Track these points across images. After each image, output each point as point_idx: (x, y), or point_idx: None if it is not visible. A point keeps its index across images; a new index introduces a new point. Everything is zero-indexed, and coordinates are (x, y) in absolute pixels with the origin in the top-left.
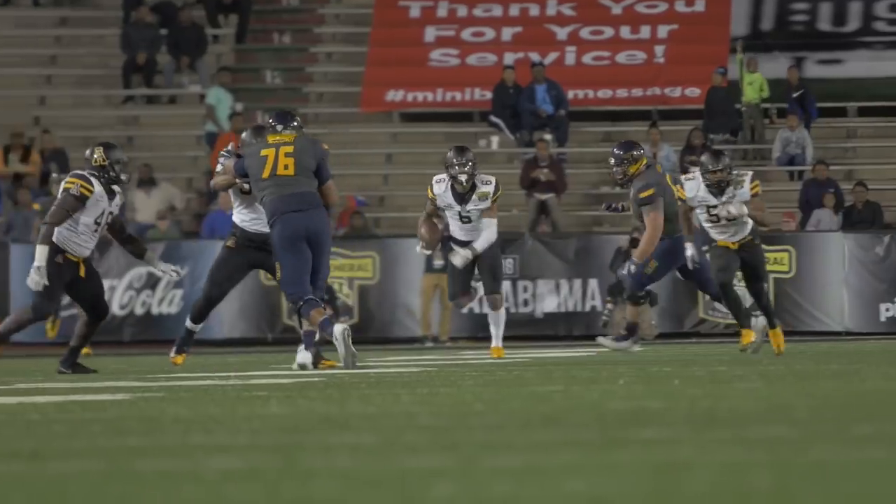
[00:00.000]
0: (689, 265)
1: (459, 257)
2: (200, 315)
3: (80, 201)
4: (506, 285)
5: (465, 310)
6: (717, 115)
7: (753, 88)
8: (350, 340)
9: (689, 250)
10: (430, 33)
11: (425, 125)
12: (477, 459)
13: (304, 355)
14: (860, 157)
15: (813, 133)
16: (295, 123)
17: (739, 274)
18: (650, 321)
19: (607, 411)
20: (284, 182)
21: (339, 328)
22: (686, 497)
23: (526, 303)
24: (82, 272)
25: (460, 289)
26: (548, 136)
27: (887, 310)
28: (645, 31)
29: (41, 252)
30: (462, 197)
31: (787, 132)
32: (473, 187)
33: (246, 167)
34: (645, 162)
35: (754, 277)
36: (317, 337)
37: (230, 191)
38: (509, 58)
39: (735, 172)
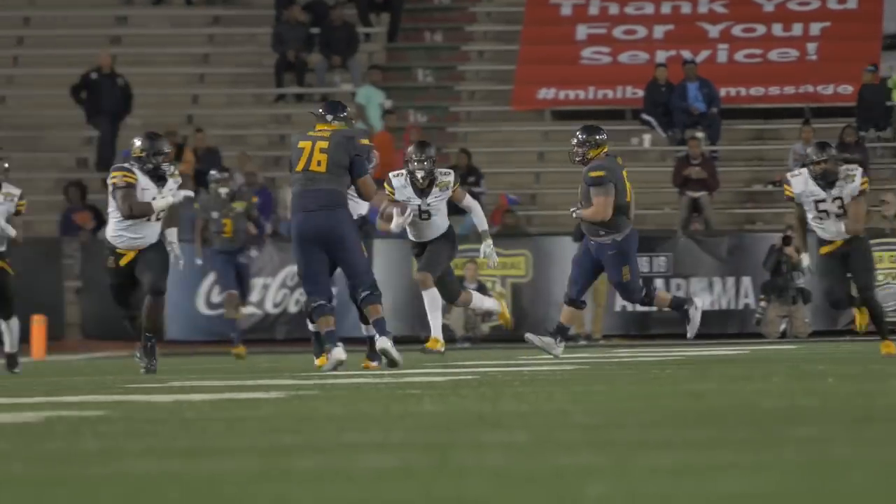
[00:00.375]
0: (807, 274)
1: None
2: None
3: (132, 188)
4: (658, 283)
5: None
6: (868, 112)
7: None
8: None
9: (806, 260)
10: (582, 31)
11: (577, 123)
12: (631, 458)
13: (382, 341)
14: None
15: None
16: (344, 114)
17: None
18: (804, 318)
19: (761, 409)
20: (312, 177)
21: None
22: (842, 496)
23: None
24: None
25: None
26: (700, 134)
27: None
28: (797, 29)
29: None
30: (422, 191)
31: None
32: (432, 182)
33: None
34: (605, 150)
35: (859, 271)
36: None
37: None
38: (661, 55)
39: (845, 167)
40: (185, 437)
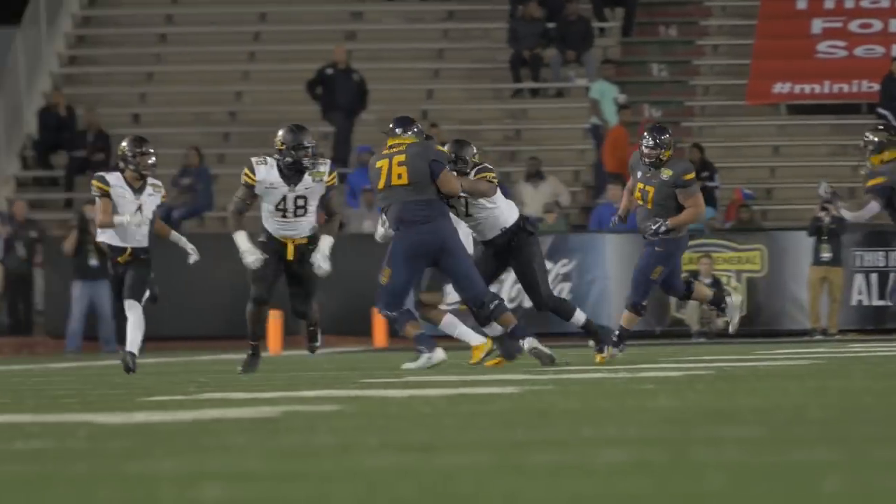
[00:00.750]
0: None
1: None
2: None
3: (248, 188)
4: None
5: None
6: None
7: None
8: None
9: None
10: (817, 25)
11: (812, 117)
12: (867, 453)
13: (529, 341)
14: None
15: None
16: (415, 129)
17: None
18: None
19: None
20: (397, 191)
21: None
22: None
23: None
24: (290, 255)
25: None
26: None
27: None
28: None
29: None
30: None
31: None
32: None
33: (369, 179)
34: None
35: None
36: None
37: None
38: None
39: None
40: (419, 432)
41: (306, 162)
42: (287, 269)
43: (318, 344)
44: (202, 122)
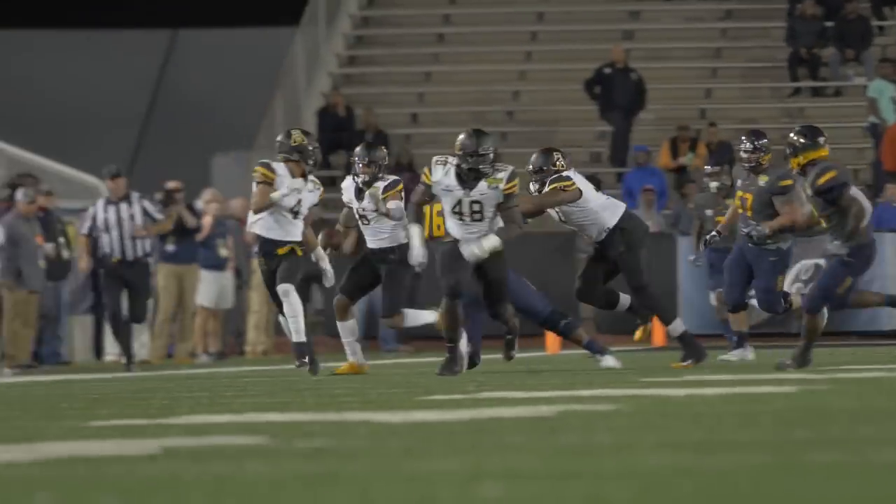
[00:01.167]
0: None
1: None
2: None
3: (426, 187)
4: None
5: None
6: None
7: None
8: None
9: None
10: None
11: None
12: None
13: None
14: None
15: None
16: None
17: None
18: None
19: None
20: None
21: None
22: None
23: None
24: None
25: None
26: None
27: None
28: None
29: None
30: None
31: None
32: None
33: None
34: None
35: None
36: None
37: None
38: None
39: None
40: (697, 430)
41: (483, 168)
42: (477, 270)
43: (514, 353)
44: (479, 121)
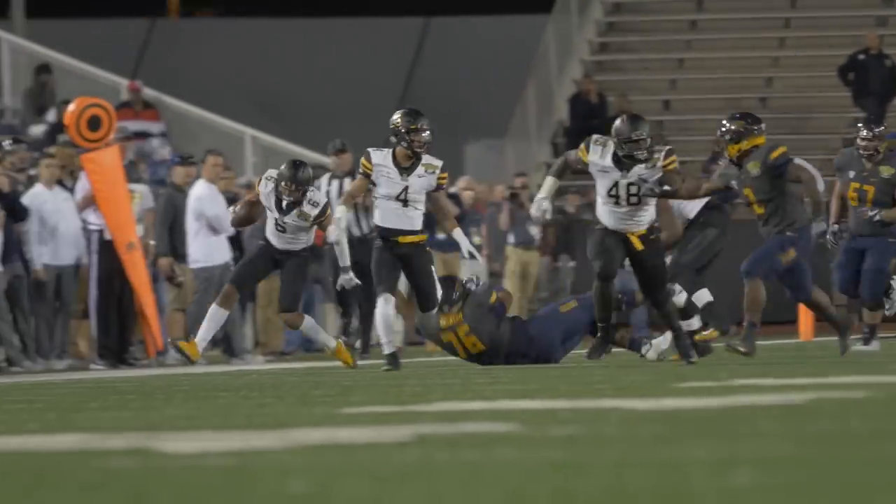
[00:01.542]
0: None
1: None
2: None
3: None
4: None
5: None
6: None
7: None
8: None
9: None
10: None
11: None
12: None
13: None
14: None
15: None
16: None
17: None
18: None
19: None
20: None
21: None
22: None
23: None
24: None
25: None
26: None
27: None
28: None
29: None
30: (281, 208)
31: None
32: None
33: None
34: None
35: None
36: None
37: None
38: None
39: None
40: None
41: (638, 154)
42: (632, 259)
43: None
44: (733, 108)
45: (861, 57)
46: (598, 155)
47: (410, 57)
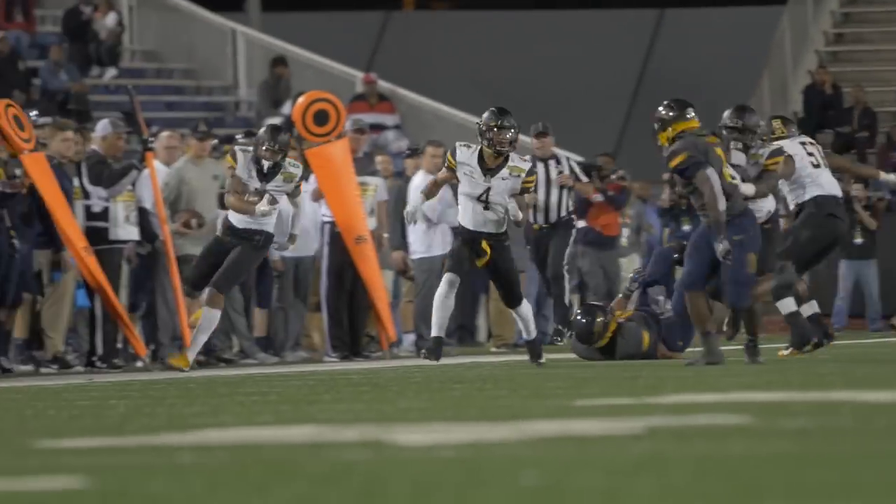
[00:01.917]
0: None
1: None
2: None
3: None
4: None
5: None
6: None
7: None
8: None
9: None
10: None
11: None
12: None
13: None
14: None
15: None
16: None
17: None
18: None
19: None
20: None
21: None
22: None
23: None
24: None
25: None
26: None
27: None
28: None
29: None
30: (264, 175)
31: None
32: (277, 167)
33: None
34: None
35: None
36: None
37: None
38: None
39: None
40: None
41: (746, 142)
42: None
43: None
44: None
45: None
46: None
47: (644, 49)
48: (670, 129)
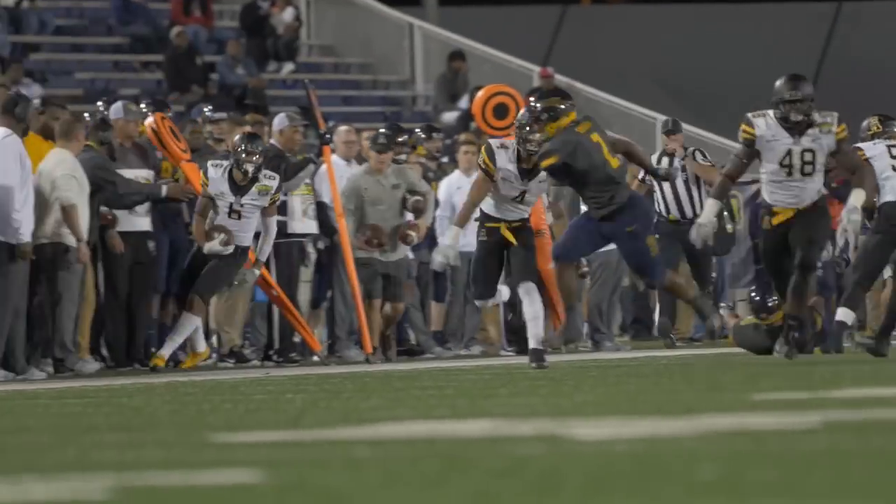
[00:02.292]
0: None
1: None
2: None
3: (748, 145)
4: None
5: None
6: None
7: None
8: None
9: None
10: None
11: None
12: None
13: None
14: None
15: None
16: None
17: None
18: None
19: None
20: None
21: None
22: None
23: None
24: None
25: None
26: None
27: None
28: None
29: None
30: (238, 188)
31: None
32: (254, 180)
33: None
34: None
35: None
36: None
37: None
38: None
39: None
40: None
41: (794, 117)
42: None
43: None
44: None
45: None
46: (763, 127)
47: (822, 39)
48: (549, 128)
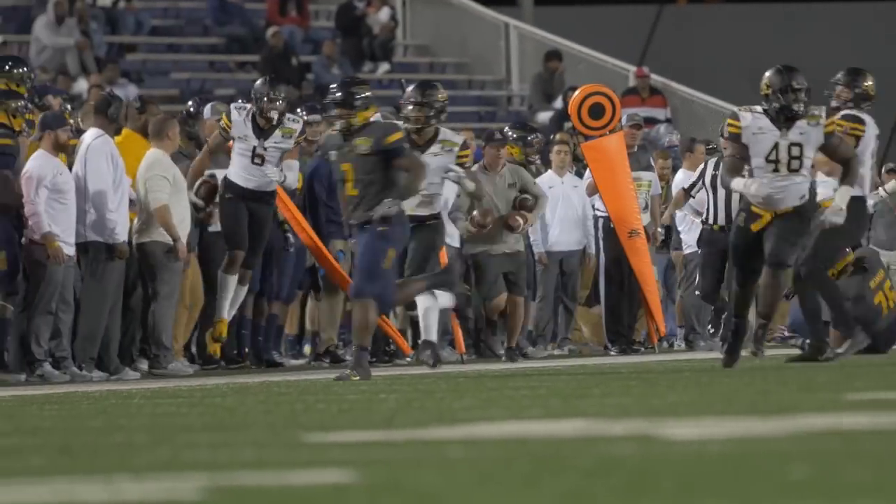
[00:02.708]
0: None
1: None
2: None
3: (734, 138)
4: None
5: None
6: None
7: None
8: None
9: None
10: None
11: None
12: None
13: None
14: None
15: None
16: None
17: None
18: None
19: None
20: None
21: None
22: None
23: None
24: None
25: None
26: None
27: None
28: None
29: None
30: (262, 132)
31: None
32: (278, 124)
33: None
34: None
35: None
36: None
37: None
38: None
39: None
40: None
41: (797, 107)
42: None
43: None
44: None
45: None
46: (749, 119)
47: None
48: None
